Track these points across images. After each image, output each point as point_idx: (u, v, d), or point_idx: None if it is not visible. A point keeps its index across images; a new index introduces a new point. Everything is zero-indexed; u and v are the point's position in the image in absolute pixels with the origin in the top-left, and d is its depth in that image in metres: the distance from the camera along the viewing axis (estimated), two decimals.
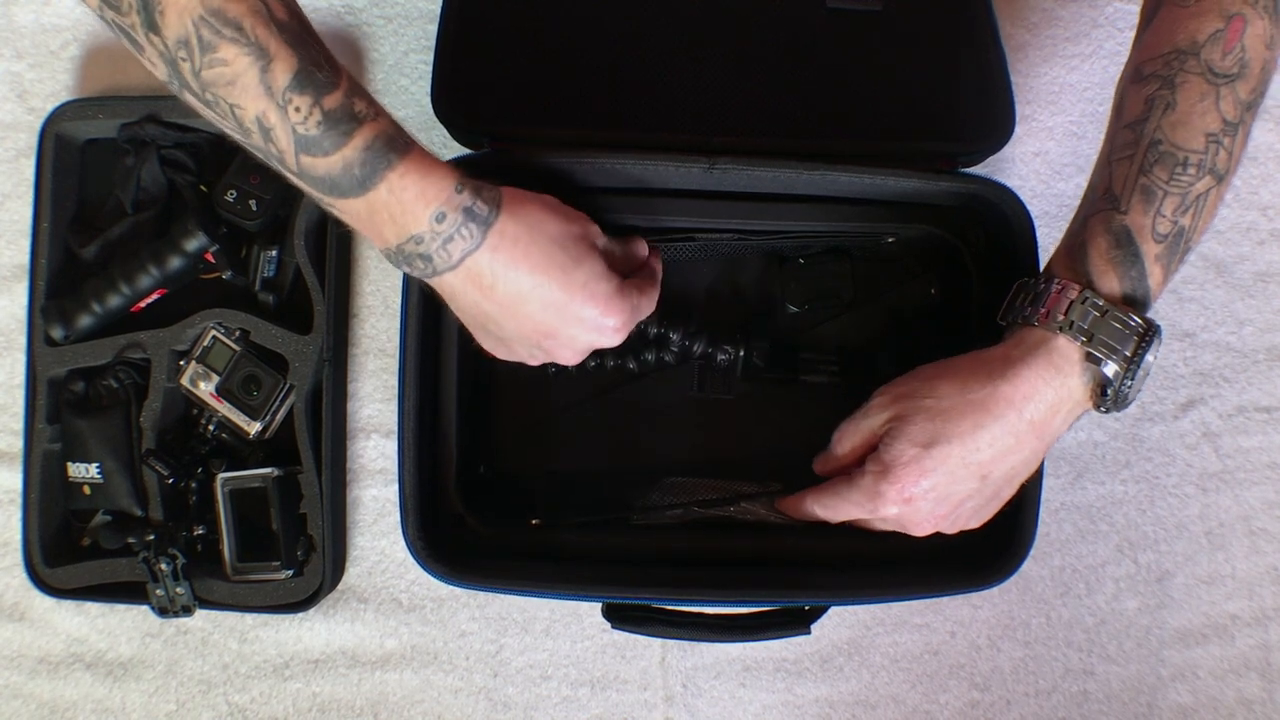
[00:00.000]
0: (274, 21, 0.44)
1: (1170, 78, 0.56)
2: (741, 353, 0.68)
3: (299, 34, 0.45)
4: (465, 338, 0.63)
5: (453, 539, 0.62)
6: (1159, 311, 0.76)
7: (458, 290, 0.50)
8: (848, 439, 0.56)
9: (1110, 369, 0.51)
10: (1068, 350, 0.51)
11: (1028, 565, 0.61)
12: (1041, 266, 0.61)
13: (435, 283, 0.50)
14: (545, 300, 0.50)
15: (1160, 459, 0.76)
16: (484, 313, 0.51)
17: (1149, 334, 0.51)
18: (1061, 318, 0.51)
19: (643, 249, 0.59)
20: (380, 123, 0.46)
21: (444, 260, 0.48)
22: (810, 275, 0.69)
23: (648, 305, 0.56)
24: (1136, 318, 0.51)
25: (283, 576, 0.71)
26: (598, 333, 0.52)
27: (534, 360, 0.55)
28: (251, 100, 0.44)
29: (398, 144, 0.46)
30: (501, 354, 0.56)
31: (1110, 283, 0.52)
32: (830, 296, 0.69)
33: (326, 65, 0.45)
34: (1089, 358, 0.51)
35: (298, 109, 0.44)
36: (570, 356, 0.54)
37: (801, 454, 0.70)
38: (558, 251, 0.50)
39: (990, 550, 0.62)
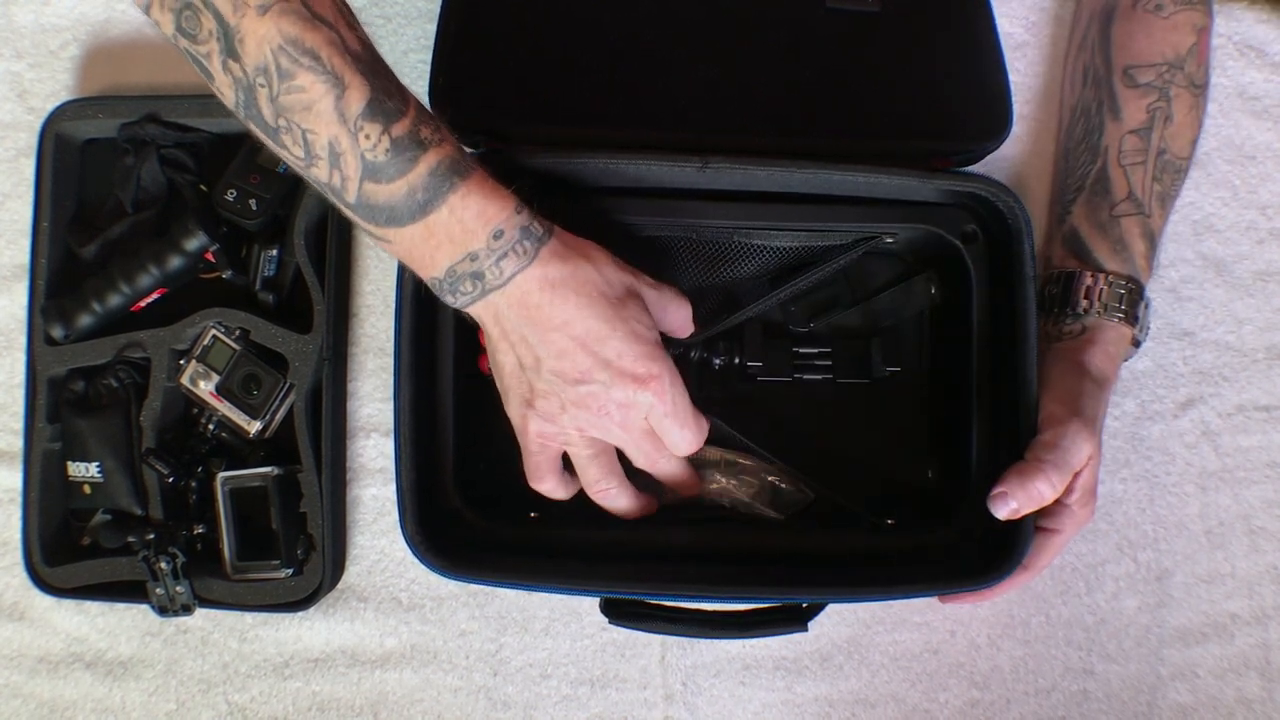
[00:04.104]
0: (349, 52, 0.46)
1: (1165, 90, 0.66)
2: (736, 360, 0.68)
3: (371, 64, 0.47)
4: (461, 333, 0.63)
5: (451, 534, 0.62)
6: (1158, 310, 0.76)
7: (502, 313, 0.50)
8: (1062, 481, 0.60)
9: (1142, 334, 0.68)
10: (1126, 335, 0.66)
11: None
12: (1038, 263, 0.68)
13: (480, 308, 0.50)
14: (589, 327, 0.50)
15: (1160, 458, 0.76)
16: (523, 339, 0.50)
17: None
18: (1123, 310, 0.65)
19: (681, 314, 0.58)
20: (444, 149, 0.48)
21: (495, 277, 0.49)
22: (809, 292, 0.69)
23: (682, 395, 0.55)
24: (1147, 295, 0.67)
25: (282, 575, 0.71)
26: (636, 383, 0.51)
27: (553, 420, 0.52)
28: (325, 126, 0.46)
29: (460, 168, 0.48)
30: (527, 418, 0.53)
31: (1146, 277, 0.67)
32: (832, 305, 0.70)
33: (396, 94, 0.47)
34: (1134, 340, 0.67)
35: (367, 136, 0.46)
36: (598, 414, 0.51)
37: (799, 446, 0.70)
38: (605, 286, 0.51)
39: (989, 549, 0.62)
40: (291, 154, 0.48)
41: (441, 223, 0.48)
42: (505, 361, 0.52)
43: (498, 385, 0.54)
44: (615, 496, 0.55)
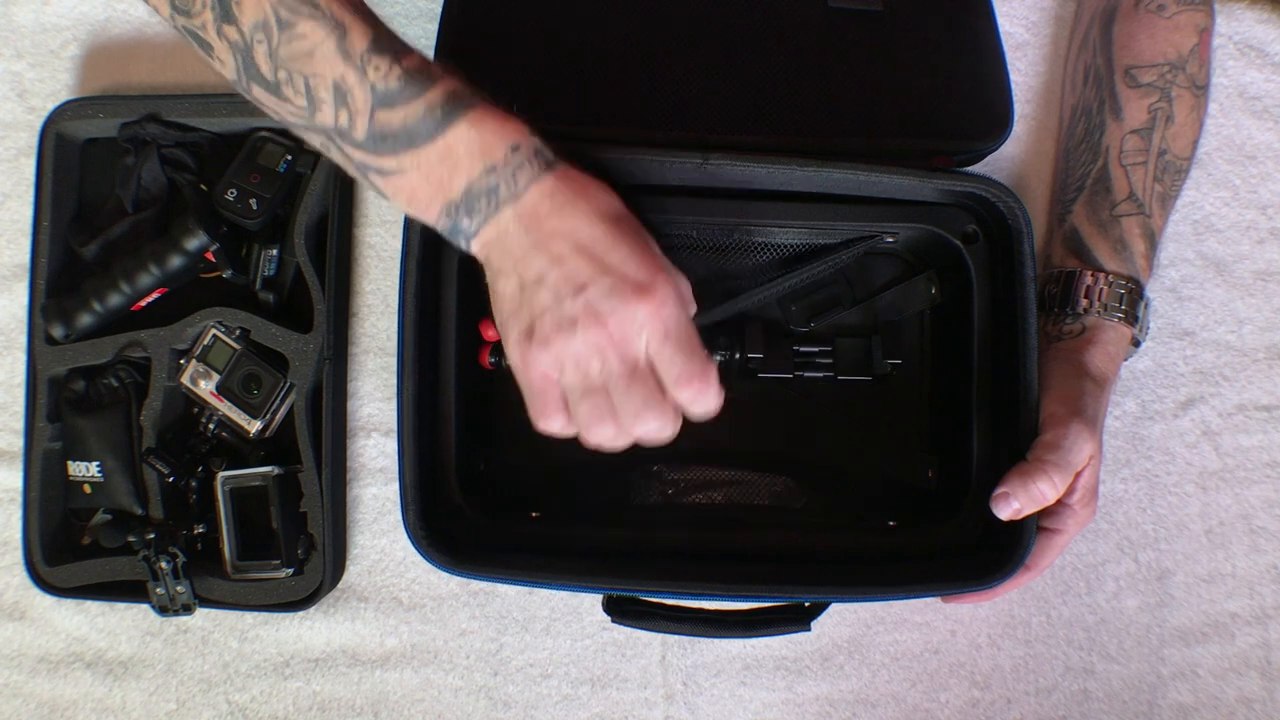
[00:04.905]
0: (347, 0, 0.48)
1: (1167, 90, 0.67)
2: (737, 355, 0.68)
3: (370, 12, 0.49)
4: (464, 330, 0.63)
5: (453, 530, 0.62)
6: (1158, 310, 0.76)
7: (509, 231, 0.49)
8: (1063, 482, 0.60)
9: (1141, 334, 0.69)
10: (1126, 335, 0.66)
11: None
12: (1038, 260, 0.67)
13: (490, 229, 0.49)
14: (594, 234, 0.49)
15: (1160, 457, 0.76)
16: (526, 253, 0.49)
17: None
18: (1123, 310, 0.66)
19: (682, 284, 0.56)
20: (458, 81, 0.49)
21: (509, 190, 0.49)
22: (808, 292, 0.70)
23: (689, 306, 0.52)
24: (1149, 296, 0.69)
25: (283, 575, 0.71)
26: (636, 292, 0.48)
27: (549, 345, 0.49)
28: (330, 67, 0.47)
29: (475, 95, 0.49)
30: (525, 351, 0.50)
31: (1146, 277, 0.68)
32: (833, 305, 0.70)
33: (399, 39, 0.49)
34: (1133, 340, 0.68)
35: (377, 68, 0.48)
36: (595, 325, 0.48)
37: (800, 445, 0.70)
38: (610, 210, 0.50)
39: (991, 549, 0.62)
40: (294, 106, 0.49)
41: (461, 137, 0.48)
42: (506, 290, 0.50)
43: (498, 327, 0.52)
44: (610, 443, 0.51)
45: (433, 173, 0.49)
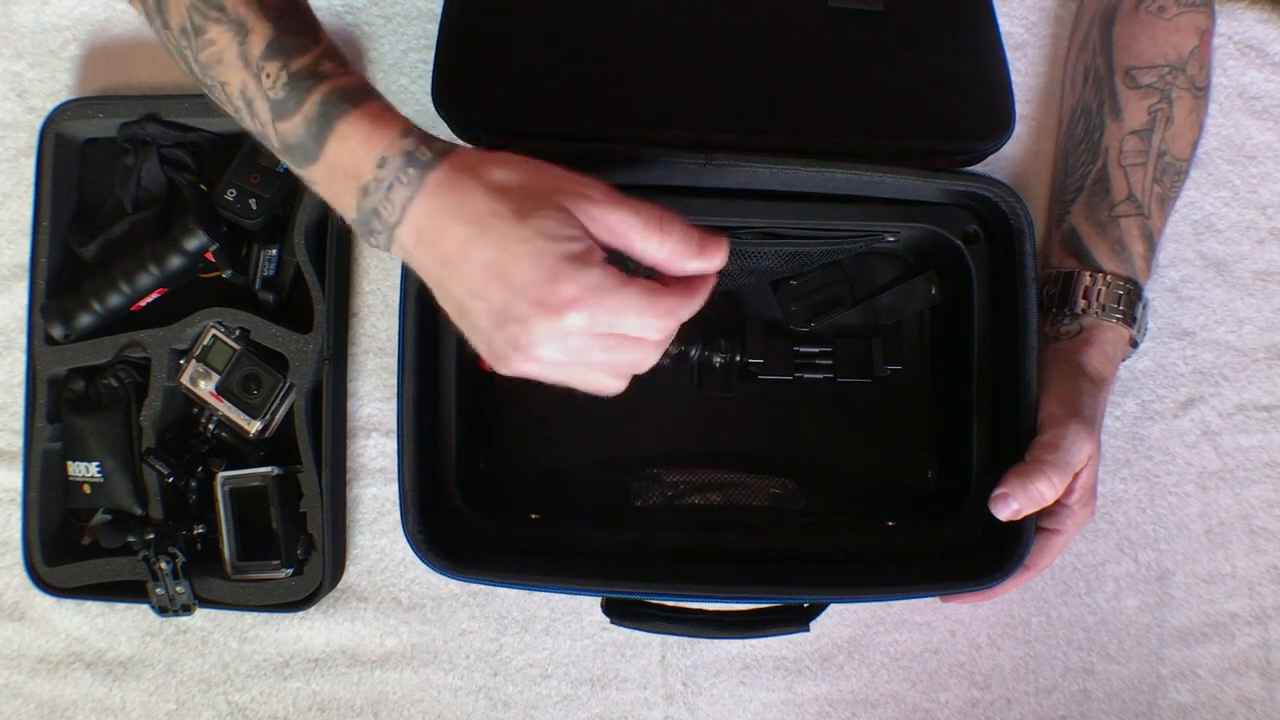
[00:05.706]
0: (256, 1, 0.45)
1: (1167, 92, 0.67)
2: (737, 357, 0.68)
3: (281, 10, 0.45)
4: (464, 336, 0.63)
5: (452, 533, 0.62)
6: (1158, 310, 0.76)
7: (413, 255, 0.45)
8: (1063, 481, 0.60)
9: (1139, 335, 0.69)
10: (1124, 336, 0.66)
11: None
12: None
13: (397, 252, 0.46)
14: (485, 259, 0.43)
15: (1160, 457, 0.76)
16: (440, 283, 0.45)
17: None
18: (1121, 310, 0.66)
19: (689, 240, 0.47)
20: (343, 80, 0.45)
21: (390, 213, 0.44)
22: (808, 292, 0.70)
23: (658, 304, 0.45)
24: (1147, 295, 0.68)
25: (283, 575, 0.71)
26: (546, 311, 0.42)
27: (536, 357, 0.45)
28: (234, 74, 0.45)
29: (354, 96, 0.45)
30: (518, 365, 0.46)
31: (1145, 278, 0.67)
32: (833, 305, 0.70)
33: (305, 34, 0.46)
34: (1131, 341, 0.68)
35: (268, 75, 0.45)
36: (539, 354, 0.44)
37: (800, 449, 0.70)
38: (500, 202, 0.43)
39: (990, 549, 0.62)
40: (229, 111, 0.47)
41: (334, 154, 0.44)
42: (450, 311, 0.47)
43: None
44: (636, 371, 0.48)
45: (330, 190, 0.46)
